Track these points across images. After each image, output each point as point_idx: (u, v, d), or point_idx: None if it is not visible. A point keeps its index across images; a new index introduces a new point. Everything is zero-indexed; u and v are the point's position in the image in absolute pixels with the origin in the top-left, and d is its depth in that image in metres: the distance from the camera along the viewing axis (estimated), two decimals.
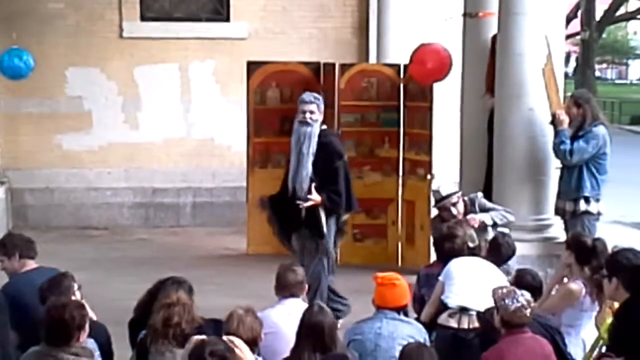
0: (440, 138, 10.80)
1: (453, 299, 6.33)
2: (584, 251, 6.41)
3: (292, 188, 7.97)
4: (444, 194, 7.97)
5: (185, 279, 5.72)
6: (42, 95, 12.92)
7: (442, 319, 6.30)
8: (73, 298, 5.63)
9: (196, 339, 4.66)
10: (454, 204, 7.90)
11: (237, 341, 4.54)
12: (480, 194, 8.17)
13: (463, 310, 6.27)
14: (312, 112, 7.93)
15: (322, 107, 8.04)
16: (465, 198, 8.09)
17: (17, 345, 5.72)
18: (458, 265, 6.53)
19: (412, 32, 11.92)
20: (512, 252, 6.97)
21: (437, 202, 8.07)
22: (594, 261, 6.30)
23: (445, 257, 6.75)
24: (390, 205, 10.93)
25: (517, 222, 8.46)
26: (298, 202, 7.83)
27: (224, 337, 4.56)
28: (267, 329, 5.40)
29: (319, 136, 7.94)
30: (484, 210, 7.89)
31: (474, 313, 6.14)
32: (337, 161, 7.98)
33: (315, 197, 7.81)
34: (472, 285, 6.32)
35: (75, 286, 5.78)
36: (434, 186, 8.24)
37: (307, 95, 8.13)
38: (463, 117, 10.01)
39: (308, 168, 7.87)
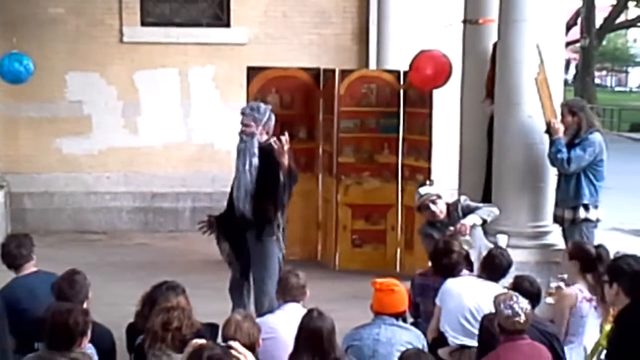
0: (440, 144, 10.81)
1: (452, 334, 6.34)
2: (588, 260, 6.40)
3: (239, 208, 7.53)
4: (422, 193, 7.86)
5: (179, 284, 5.73)
6: (42, 99, 12.93)
7: (443, 353, 6.30)
8: (90, 294, 5.68)
9: (195, 342, 4.65)
10: (433, 201, 7.74)
11: (241, 348, 4.52)
12: (463, 197, 8.01)
13: (462, 347, 6.30)
14: (247, 125, 7.46)
15: (263, 119, 7.49)
16: (449, 202, 7.96)
17: (13, 349, 5.71)
18: (454, 291, 6.47)
19: (412, 38, 11.94)
20: (508, 264, 6.73)
21: (418, 203, 7.90)
22: (600, 268, 6.28)
23: (442, 272, 6.70)
24: (389, 211, 10.94)
25: (516, 229, 8.46)
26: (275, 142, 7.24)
27: (229, 343, 4.54)
28: (266, 334, 5.40)
29: (266, 148, 7.41)
30: (470, 211, 7.71)
31: (474, 348, 6.16)
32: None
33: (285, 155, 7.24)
34: (469, 315, 6.31)
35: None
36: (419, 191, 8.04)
37: (244, 108, 7.67)
38: (462, 124, 10.02)
39: (248, 185, 7.45)
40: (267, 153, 7.41)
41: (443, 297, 6.50)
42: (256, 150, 7.48)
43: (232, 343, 4.52)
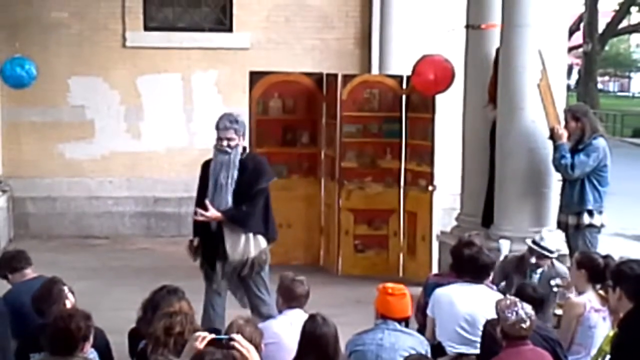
0: (442, 149, 10.81)
1: (449, 346, 6.32)
2: (597, 271, 6.37)
3: (213, 222, 7.37)
4: (554, 248, 7.39)
5: (178, 287, 5.73)
6: (44, 104, 12.93)
7: None
8: (67, 302, 5.64)
9: (197, 335, 4.57)
10: (550, 259, 7.36)
11: (244, 342, 4.47)
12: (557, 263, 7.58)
13: (460, 355, 6.28)
14: (229, 139, 7.30)
15: (242, 130, 7.38)
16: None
17: (15, 351, 5.71)
18: (444, 300, 6.44)
19: (414, 43, 11.94)
20: (492, 263, 6.66)
21: (547, 250, 7.33)
22: (608, 279, 6.24)
23: (467, 269, 6.62)
24: (391, 216, 10.93)
25: (518, 234, 8.44)
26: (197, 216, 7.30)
27: (232, 335, 4.51)
28: (269, 339, 5.38)
29: (246, 160, 7.39)
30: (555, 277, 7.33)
31: (473, 357, 6.14)
32: (262, 183, 7.45)
33: (213, 213, 7.24)
34: (464, 323, 6.29)
35: (66, 289, 5.79)
36: (542, 237, 7.43)
37: (222, 121, 7.41)
38: (465, 129, 10.01)
39: (227, 199, 7.30)
40: (245, 165, 7.38)
41: (434, 307, 6.48)
42: (238, 163, 7.37)
43: (234, 336, 4.47)
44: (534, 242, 7.36)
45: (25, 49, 11.64)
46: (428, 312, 6.52)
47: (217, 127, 7.43)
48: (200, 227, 7.49)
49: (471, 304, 6.34)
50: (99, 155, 13.19)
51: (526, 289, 6.17)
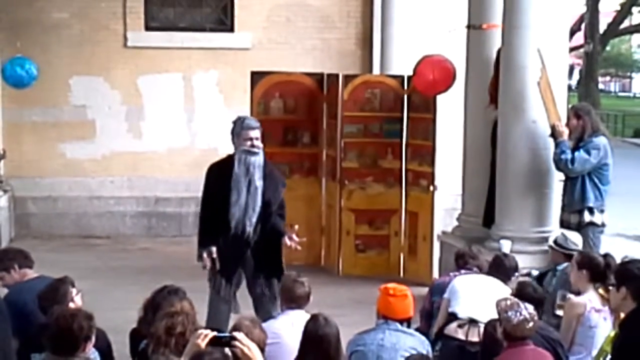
0: (444, 149, 10.81)
1: (463, 310, 6.39)
2: (598, 270, 6.37)
3: (242, 226, 7.20)
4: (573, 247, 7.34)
5: (179, 287, 5.72)
6: (46, 104, 12.94)
7: (450, 329, 6.34)
8: (71, 304, 5.63)
9: (199, 333, 4.57)
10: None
11: (245, 339, 4.47)
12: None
13: (472, 321, 6.30)
14: (257, 139, 7.18)
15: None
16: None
17: (16, 351, 5.71)
18: (463, 282, 6.63)
19: (415, 43, 11.94)
20: (516, 266, 6.94)
21: (567, 249, 7.32)
22: (609, 277, 6.24)
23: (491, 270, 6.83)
24: (393, 217, 10.93)
25: (520, 234, 8.47)
26: (290, 243, 7.23)
27: (233, 333, 4.50)
28: (270, 339, 5.38)
29: (265, 162, 7.29)
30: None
31: (482, 325, 6.15)
32: (282, 189, 7.47)
33: (294, 237, 7.25)
34: (480, 298, 6.38)
35: (74, 291, 5.77)
36: (564, 236, 7.51)
37: (249, 121, 7.31)
38: (466, 129, 10.01)
39: (260, 202, 7.19)
40: (264, 167, 7.30)
41: (453, 289, 6.61)
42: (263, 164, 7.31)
43: (236, 334, 4.46)
44: (557, 244, 7.39)
45: (26, 49, 11.65)
46: (445, 295, 6.62)
47: (243, 127, 7.22)
48: (220, 235, 7.27)
49: (489, 287, 6.49)
50: (100, 155, 13.20)
51: (526, 289, 6.16)
